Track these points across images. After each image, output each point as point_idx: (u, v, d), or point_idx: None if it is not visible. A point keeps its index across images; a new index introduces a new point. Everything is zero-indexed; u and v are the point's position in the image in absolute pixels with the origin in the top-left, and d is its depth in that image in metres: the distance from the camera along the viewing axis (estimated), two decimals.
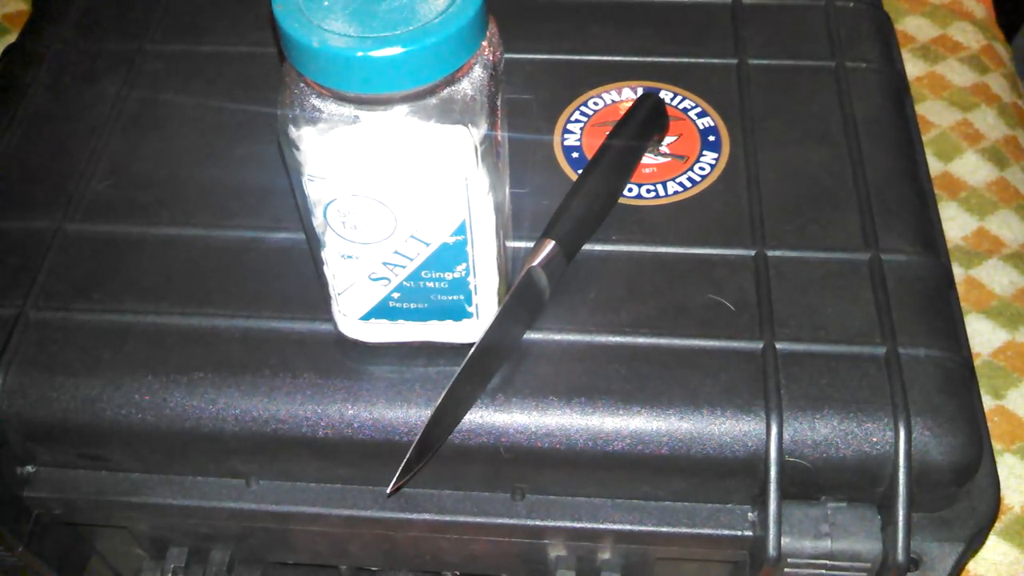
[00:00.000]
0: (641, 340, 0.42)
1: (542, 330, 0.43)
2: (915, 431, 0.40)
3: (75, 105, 0.52)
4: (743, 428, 0.40)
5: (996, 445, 0.57)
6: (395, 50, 0.32)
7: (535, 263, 0.41)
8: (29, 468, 0.44)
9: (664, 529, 0.42)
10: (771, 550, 0.40)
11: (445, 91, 0.34)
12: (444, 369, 0.42)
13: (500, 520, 0.42)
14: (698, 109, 0.51)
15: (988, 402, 0.59)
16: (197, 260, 0.45)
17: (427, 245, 0.37)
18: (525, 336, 0.42)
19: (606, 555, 0.45)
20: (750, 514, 0.42)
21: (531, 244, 0.42)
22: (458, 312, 0.40)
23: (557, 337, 0.42)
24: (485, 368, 0.41)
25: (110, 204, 0.47)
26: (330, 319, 0.42)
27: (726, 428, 0.40)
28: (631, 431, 0.40)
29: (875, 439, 0.39)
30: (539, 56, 0.53)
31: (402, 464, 0.38)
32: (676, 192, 0.47)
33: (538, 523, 0.42)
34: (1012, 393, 0.60)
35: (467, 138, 0.34)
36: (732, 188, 0.47)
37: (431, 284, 0.39)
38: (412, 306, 0.40)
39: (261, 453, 0.42)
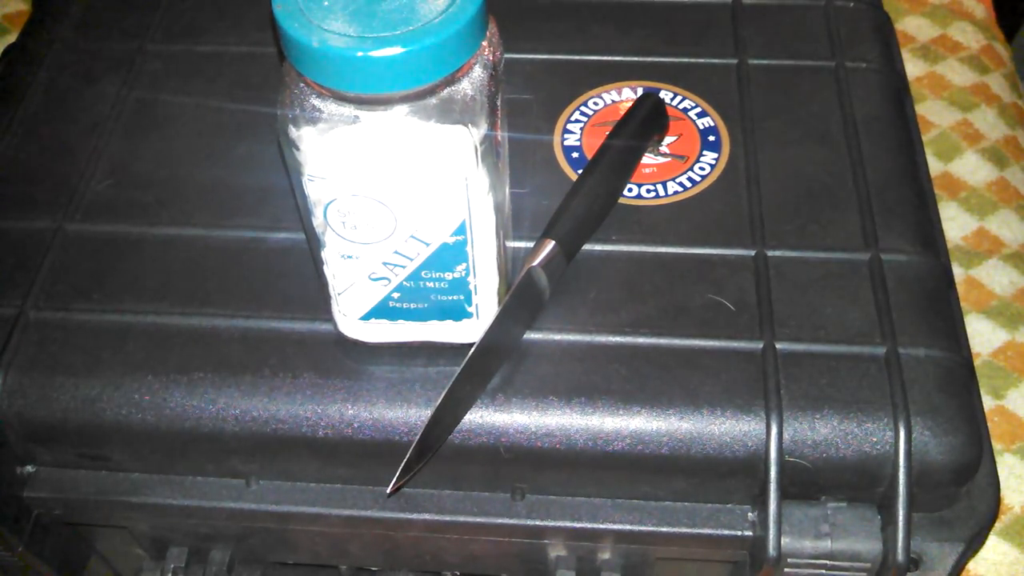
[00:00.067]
0: (641, 340, 0.42)
1: (542, 330, 0.43)
2: (915, 431, 0.40)
3: (75, 105, 0.52)
4: (743, 428, 0.40)
5: (996, 445, 0.57)
6: (395, 50, 0.32)
7: (535, 263, 0.41)
8: (29, 468, 0.44)
9: (664, 529, 0.42)
10: (771, 550, 0.40)
11: (445, 91, 0.34)
12: (444, 369, 0.42)
13: (500, 520, 0.42)
14: (698, 109, 0.51)
15: (988, 402, 0.59)
16: (197, 260, 0.45)
17: (427, 245, 0.37)
18: (525, 336, 0.42)
19: (606, 555, 0.45)
20: (750, 514, 0.42)
21: (531, 244, 0.42)
22: (458, 312, 0.40)
23: (557, 337, 0.42)
24: (485, 368, 0.41)
25: (110, 204, 0.47)
26: (330, 319, 0.42)
27: (726, 428, 0.40)
28: (631, 431, 0.40)
29: (875, 439, 0.40)
30: (539, 56, 0.53)
31: (402, 464, 0.38)
32: (676, 192, 0.47)
33: (538, 523, 0.42)
34: (1012, 393, 0.60)
35: (467, 138, 0.34)
36: (732, 188, 0.47)
37: (431, 284, 0.39)
38: (412, 306, 0.40)
39: (261, 453, 0.42)
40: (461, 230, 0.37)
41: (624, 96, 0.52)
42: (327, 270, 0.39)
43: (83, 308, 0.44)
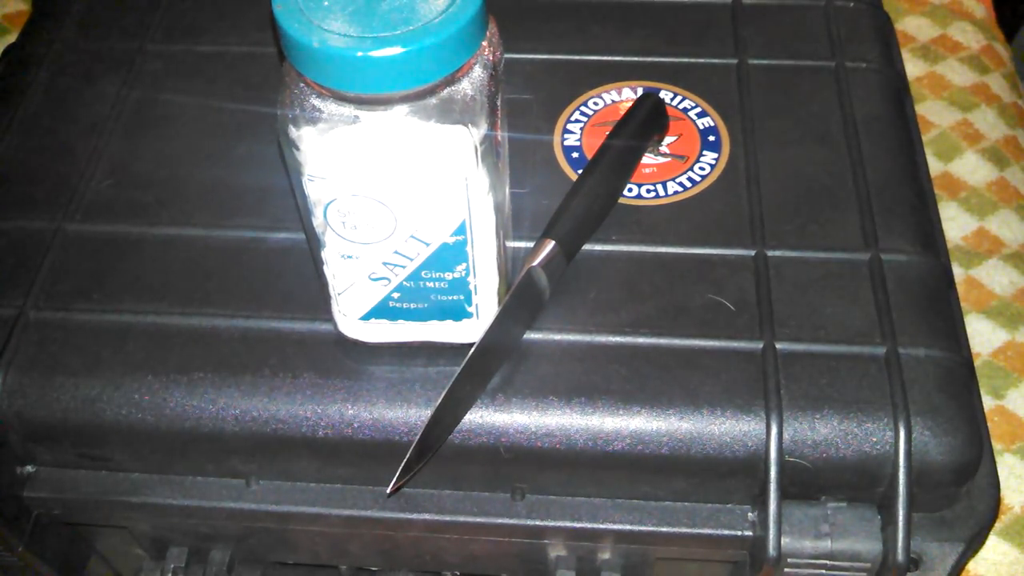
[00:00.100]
0: (641, 340, 0.42)
1: (542, 330, 0.43)
2: (915, 431, 0.40)
3: (75, 105, 0.52)
4: (743, 428, 0.40)
5: (996, 445, 0.57)
6: (395, 50, 0.32)
7: (535, 263, 0.41)
8: (29, 468, 0.44)
9: (664, 529, 0.42)
10: (771, 550, 0.40)
11: (445, 91, 0.34)
12: (444, 369, 0.42)
13: (500, 520, 0.42)
14: (698, 109, 0.51)
15: (988, 402, 0.59)
16: (197, 260, 0.45)
17: (427, 245, 0.37)
18: (525, 336, 0.42)
19: (606, 555, 0.45)
20: (750, 514, 0.42)
21: (531, 244, 0.42)
22: (458, 312, 0.40)
23: (557, 337, 0.42)
24: (485, 368, 0.41)
25: (110, 204, 0.47)
26: (330, 319, 0.42)
27: (726, 428, 0.40)
28: (631, 431, 0.40)
29: (875, 439, 0.40)
30: (539, 56, 0.53)
31: (402, 464, 0.38)
32: (676, 192, 0.47)
33: (538, 523, 0.42)
34: (1012, 393, 0.60)
35: (467, 138, 0.34)
36: (732, 188, 0.47)
37: (431, 284, 0.39)
38: (412, 306, 0.40)
39: (261, 453, 0.42)
40: (461, 230, 0.37)
41: (624, 96, 0.52)
42: (327, 270, 0.39)
43: (83, 308, 0.44)
